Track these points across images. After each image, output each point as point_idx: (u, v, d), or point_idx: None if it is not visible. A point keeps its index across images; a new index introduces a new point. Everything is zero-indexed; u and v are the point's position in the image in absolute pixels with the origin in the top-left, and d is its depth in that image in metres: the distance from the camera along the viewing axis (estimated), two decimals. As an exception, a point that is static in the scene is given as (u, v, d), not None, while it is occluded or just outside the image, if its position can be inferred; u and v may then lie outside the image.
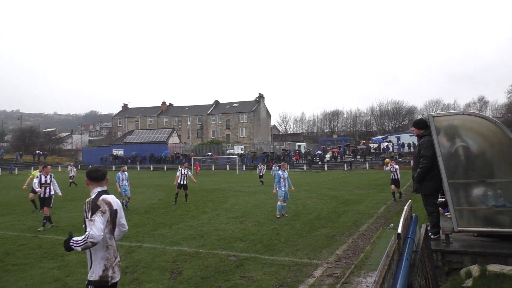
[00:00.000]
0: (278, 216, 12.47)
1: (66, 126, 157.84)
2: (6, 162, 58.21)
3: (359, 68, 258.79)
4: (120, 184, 15.46)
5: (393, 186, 16.59)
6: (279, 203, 12.71)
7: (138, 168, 58.81)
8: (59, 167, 60.04)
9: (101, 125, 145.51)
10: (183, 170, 17.07)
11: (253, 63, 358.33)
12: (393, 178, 16.56)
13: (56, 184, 12.31)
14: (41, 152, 65.70)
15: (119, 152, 66.69)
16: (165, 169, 55.19)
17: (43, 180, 12.11)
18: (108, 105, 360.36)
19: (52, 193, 12.18)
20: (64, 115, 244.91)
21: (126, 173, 16.09)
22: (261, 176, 27.51)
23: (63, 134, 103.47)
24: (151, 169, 57.25)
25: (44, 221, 11.58)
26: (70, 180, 27.53)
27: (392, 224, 10.66)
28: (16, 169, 51.73)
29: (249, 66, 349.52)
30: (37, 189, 12.20)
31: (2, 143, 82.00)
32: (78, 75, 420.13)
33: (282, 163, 14.02)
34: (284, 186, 12.88)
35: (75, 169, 28.36)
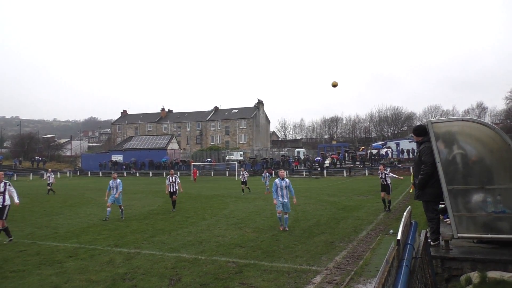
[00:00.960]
0: (281, 229, 11.39)
1: (65, 132, 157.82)
2: (5, 168, 58.06)
3: (358, 74, 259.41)
4: (112, 193, 14.65)
5: (383, 193, 15.29)
6: (278, 214, 11.51)
7: (137, 174, 58.77)
8: (58, 173, 59.98)
9: (100, 131, 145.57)
10: (171, 178, 16.73)
11: (252, 69, 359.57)
12: (383, 183, 15.31)
13: (15, 191, 10.95)
14: (40, 159, 65.65)
15: (118, 158, 66.63)
16: (164, 175, 55.03)
17: None
18: (108, 111, 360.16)
19: (7, 203, 10.74)
20: (63, 121, 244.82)
21: (118, 180, 14.99)
22: (243, 183, 25.53)
23: (62, 141, 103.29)
24: (150, 175, 57.19)
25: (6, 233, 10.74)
26: (48, 187, 26.77)
27: (391, 231, 10.64)
28: (15, 176, 51.64)
29: (249, 72, 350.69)
30: None
31: (1, 149, 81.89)
32: (77, 82, 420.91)
33: (279, 171, 12.45)
34: (282, 196, 11.45)
35: (53, 176, 27.58)
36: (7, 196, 10.73)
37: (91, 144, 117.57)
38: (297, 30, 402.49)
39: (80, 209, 17.85)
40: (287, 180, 11.75)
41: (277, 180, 11.73)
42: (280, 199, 11.43)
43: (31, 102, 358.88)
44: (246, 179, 25.80)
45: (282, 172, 12.15)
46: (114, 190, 14.68)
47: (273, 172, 48.47)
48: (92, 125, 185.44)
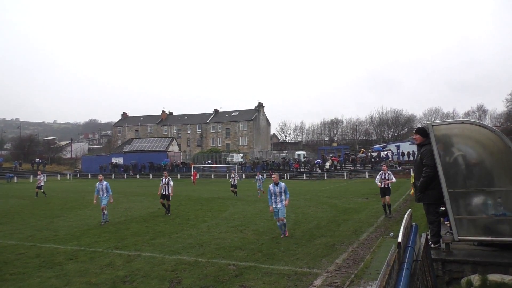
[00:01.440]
0: (282, 236, 10.76)
1: (66, 134, 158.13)
2: (5, 170, 58.13)
3: (358, 76, 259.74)
4: (99, 196, 14.38)
5: (383, 199, 14.46)
6: (277, 222, 10.97)
7: (138, 177, 58.76)
8: (58, 175, 60.01)
9: (101, 134, 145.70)
10: (164, 179, 16.18)
11: (252, 72, 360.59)
12: (383, 187, 14.42)
13: None
14: (40, 161, 65.67)
15: (119, 160, 66.62)
16: (165, 177, 55.01)
17: None
18: (108, 113, 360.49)
19: None
20: (63, 124, 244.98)
21: (104, 182, 14.57)
22: (233, 186, 24.42)
23: (63, 143, 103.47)
24: (151, 177, 57.14)
25: None
26: (41, 190, 26.21)
27: (392, 233, 10.62)
28: (15, 178, 51.64)
29: (249, 75, 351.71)
30: None
31: (1, 151, 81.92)
32: (78, 84, 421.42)
33: (272, 176, 11.37)
34: (276, 202, 10.84)
35: (42, 178, 26.99)
36: None
37: (91, 147, 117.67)
38: (297, 33, 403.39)
39: (81, 212, 17.85)
40: (282, 185, 10.90)
41: (270, 186, 11.00)
42: (274, 205, 10.87)
43: (31, 104, 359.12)
44: (236, 182, 24.78)
45: (275, 177, 11.13)
46: (101, 193, 14.34)
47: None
48: (92, 127, 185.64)
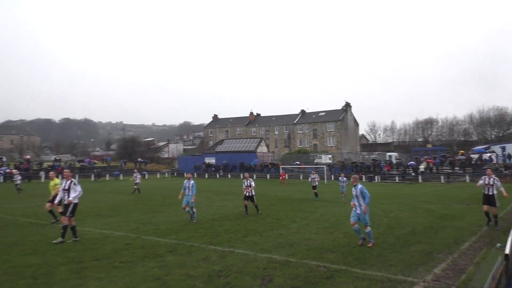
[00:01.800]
0: (359, 243, 10.04)
1: (163, 136, 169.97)
2: (112, 168, 64.20)
3: (454, 72, 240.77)
4: (186, 193, 14.71)
5: (486, 206, 12.96)
6: (352, 226, 10.20)
7: (229, 176, 61.07)
8: (158, 174, 64.74)
9: (194, 135, 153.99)
10: (246, 182, 16.54)
11: (339, 71, 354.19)
12: (486, 193, 12.97)
13: (77, 191, 10.90)
14: (142, 160, 71.29)
15: (211, 160, 69.72)
16: (255, 177, 56.42)
17: (63, 185, 11.07)
18: (200, 116, 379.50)
19: (76, 201, 10.86)
20: (161, 126, 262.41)
21: (192, 181, 14.88)
22: (314, 187, 23.60)
23: (160, 143, 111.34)
24: (241, 177, 58.98)
25: (62, 231, 10.65)
26: (135, 187, 28.77)
27: (499, 244, 9.74)
28: (121, 175, 56.76)
29: (335, 74, 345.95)
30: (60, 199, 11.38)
31: (109, 151, 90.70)
32: (173, 89, 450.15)
33: (352, 176, 10.74)
34: (355, 206, 10.08)
35: (139, 176, 29.75)
36: (72, 194, 10.78)
37: (186, 147, 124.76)
38: (385, 30, 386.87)
39: (178, 208, 18.99)
40: (358, 186, 10.09)
41: (354, 189, 10.25)
42: (354, 208, 10.11)
43: (133, 108, 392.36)
44: (317, 183, 23.86)
45: (352, 178, 10.48)
46: (187, 191, 14.73)
47: (363, 177, 47.15)
48: (186, 129, 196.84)
